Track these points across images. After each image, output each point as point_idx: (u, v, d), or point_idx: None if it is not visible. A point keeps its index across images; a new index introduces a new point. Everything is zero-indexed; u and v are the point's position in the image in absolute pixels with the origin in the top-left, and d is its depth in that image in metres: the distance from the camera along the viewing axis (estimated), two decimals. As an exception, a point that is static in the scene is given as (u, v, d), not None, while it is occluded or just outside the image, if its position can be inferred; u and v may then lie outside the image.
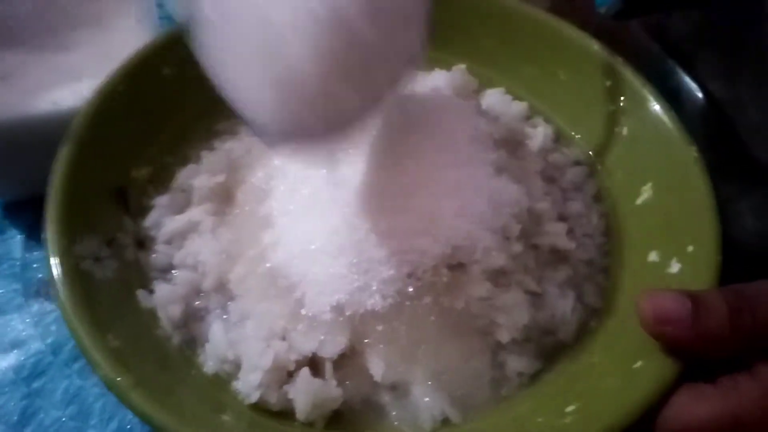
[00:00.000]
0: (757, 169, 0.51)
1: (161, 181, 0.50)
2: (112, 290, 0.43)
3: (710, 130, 0.54)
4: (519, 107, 0.56)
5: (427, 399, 0.41)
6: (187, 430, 0.36)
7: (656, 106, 0.50)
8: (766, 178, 0.51)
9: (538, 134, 0.54)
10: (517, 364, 0.43)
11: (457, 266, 0.43)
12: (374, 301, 0.41)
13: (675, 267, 0.44)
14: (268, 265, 0.44)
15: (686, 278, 0.42)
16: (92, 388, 0.50)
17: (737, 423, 0.35)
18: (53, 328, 0.53)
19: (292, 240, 0.44)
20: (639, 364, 0.39)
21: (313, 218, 0.44)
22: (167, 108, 0.52)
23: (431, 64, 0.54)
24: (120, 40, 0.55)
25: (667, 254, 0.45)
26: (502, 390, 0.43)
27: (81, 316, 0.39)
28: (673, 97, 0.52)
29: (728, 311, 0.37)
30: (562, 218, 0.48)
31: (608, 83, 0.53)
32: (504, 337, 0.43)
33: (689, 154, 0.47)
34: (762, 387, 0.36)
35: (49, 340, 0.52)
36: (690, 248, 0.43)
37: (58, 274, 0.40)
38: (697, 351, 0.38)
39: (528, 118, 0.56)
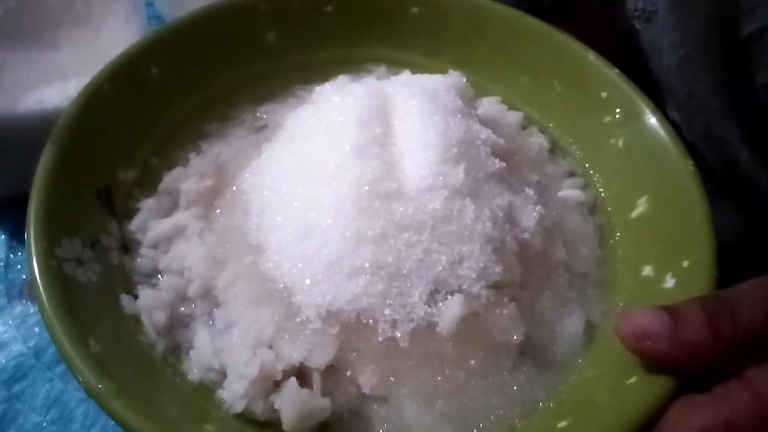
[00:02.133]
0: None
1: (148, 183, 0.49)
2: (94, 294, 0.42)
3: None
4: (514, 117, 0.55)
5: (417, 414, 0.40)
6: None
7: (652, 119, 0.49)
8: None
9: (533, 144, 0.54)
10: (510, 379, 0.42)
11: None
12: (365, 311, 0.40)
13: (670, 282, 0.43)
14: (256, 270, 0.43)
15: (681, 294, 0.41)
16: (74, 392, 0.49)
17: (730, 428, 0.35)
18: (36, 330, 0.52)
19: (281, 245, 0.43)
20: (633, 380, 0.39)
21: (304, 224, 0.43)
22: (155, 109, 0.51)
23: (425, 71, 0.53)
24: (108, 40, 0.54)
25: (662, 269, 0.44)
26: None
27: (62, 319, 0.38)
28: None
29: (706, 318, 0.36)
30: (557, 230, 0.48)
31: (604, 94, 0.52)
32: (499, 352, 0.42)
33: (685, 167, 0.47)
34: (751, 389, 0.35)
35: (31, 343, 0.51)
36: (685, 263, 0.43)
37: (38, 277, 0.39)
38: (681, 363, 0.37)
39: (523, 127, 0.56)
